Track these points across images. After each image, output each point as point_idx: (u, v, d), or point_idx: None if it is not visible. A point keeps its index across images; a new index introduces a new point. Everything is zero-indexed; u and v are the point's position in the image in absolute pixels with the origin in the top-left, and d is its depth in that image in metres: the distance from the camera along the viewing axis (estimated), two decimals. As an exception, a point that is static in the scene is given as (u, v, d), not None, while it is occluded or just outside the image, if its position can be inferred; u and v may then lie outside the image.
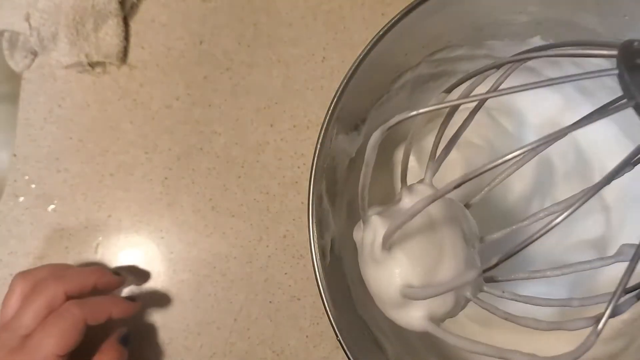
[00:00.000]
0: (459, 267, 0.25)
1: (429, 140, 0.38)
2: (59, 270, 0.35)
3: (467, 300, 0.26)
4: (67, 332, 0.32)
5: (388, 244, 0.24)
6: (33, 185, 0.41)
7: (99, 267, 0.39)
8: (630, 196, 0.37)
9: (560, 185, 0.38)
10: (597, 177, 0.38)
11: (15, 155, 0.41)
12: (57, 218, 0.41)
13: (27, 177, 0.41)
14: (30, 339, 0.32)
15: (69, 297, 0.33)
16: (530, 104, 0.38)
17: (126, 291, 0.40)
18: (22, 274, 0.35)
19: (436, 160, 0.27)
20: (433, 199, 0.20)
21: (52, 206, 0.41)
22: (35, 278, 0.34)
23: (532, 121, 0.38)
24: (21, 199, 0.41)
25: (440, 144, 0.26)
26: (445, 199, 0.26)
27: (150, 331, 0.39)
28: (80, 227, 0.41)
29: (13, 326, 0.32)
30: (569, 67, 0.35)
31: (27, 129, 0.41)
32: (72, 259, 0.40)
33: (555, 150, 0.36)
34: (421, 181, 0.27)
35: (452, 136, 0.27)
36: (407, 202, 0.26)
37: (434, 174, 0.27)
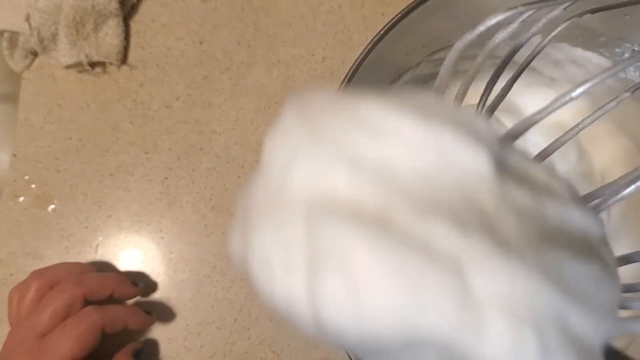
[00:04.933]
0: None
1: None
2: (76, 272, 0.36)
3: None
4: (85, 336, 0.32)
5: None
6: (33, 185, 0.41)
7: (118, 274, 0.38)
8: (631, 198, 0.37)
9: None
10: (598, 178, 0.38)
11: (15, 155, 0.41)
12: (57, 218, 0.41)
13: (27, 177, 0.41)
14: (48, 339, 0.32)
15: (87, 302, 0.34)
16: (530, 101, 0.38)
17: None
18: (38, 272, 0.35)
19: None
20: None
21: (52, 206, 0.41)
22: (51, 277, 0.34)
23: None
24: (21, 199, 0.41)
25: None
26: None
27: (150, 331, 0.39)
28: (80, 227, 0.41)
29: (31, 324, 0.32)
30: (569, 66, 0.36)
31: (27, 129, 0.41)
32: (72, 259, 0.40)
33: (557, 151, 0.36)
34: None
35: (495, 98, 0.25)
36: None
37: None
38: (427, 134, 0.13)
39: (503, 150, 0.14)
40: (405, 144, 0.13)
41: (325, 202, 0.13)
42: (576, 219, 0.14)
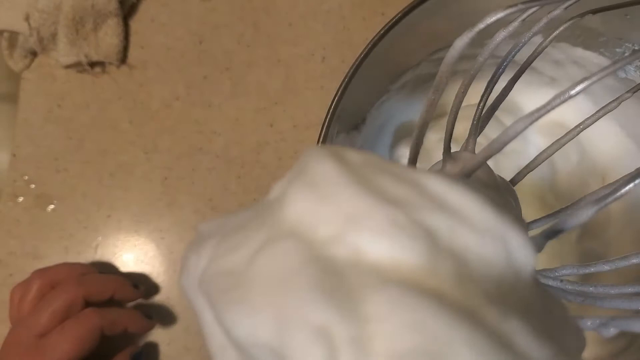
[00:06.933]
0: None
1: (428, 137, 0.38)
2: (78, 273, 0.35)
3: None
4: (84, 338, 0.32)
5: None
6: (32, 186, 0.41)
7: (119, 277, 0.38)
8: (631, 199, 0.37)
9: (562, 186, 0.38)
10: (599, 178, 0.38)
11: (14, 155, 0.41)
12: (57, 218, 0.41)
13: (26, 177, 0.41)
14: (46, 340, 0.32)
15: (87, 303, 0.34)
16: (530, 101, 0.38)
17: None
18: (40, 272, 0.35)
19: (479, 125, 0.24)
20: (501, 145, 0.16)
21: (52, 206, 0.41)
22: (53, 277, 0.34)
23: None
24: (20, 199, 0.41)
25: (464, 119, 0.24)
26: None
27: (150, 332, 0.39)
28: (80, 227, 0.40)
29: (30, 324, 0.32)
30: (570, 66, 0.35)
31: (27, 128, 0.41)
32: (71, 259, 0.40)
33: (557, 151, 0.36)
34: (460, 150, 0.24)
35: (496, 98, 0.24)
36: (450, 168, 0.23)
37: (475, 141, 0.24)
38: (497, 226, 0.13)
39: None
40: (477, 230, 0.13)
41: (392, 275, 0.12)
42: None
